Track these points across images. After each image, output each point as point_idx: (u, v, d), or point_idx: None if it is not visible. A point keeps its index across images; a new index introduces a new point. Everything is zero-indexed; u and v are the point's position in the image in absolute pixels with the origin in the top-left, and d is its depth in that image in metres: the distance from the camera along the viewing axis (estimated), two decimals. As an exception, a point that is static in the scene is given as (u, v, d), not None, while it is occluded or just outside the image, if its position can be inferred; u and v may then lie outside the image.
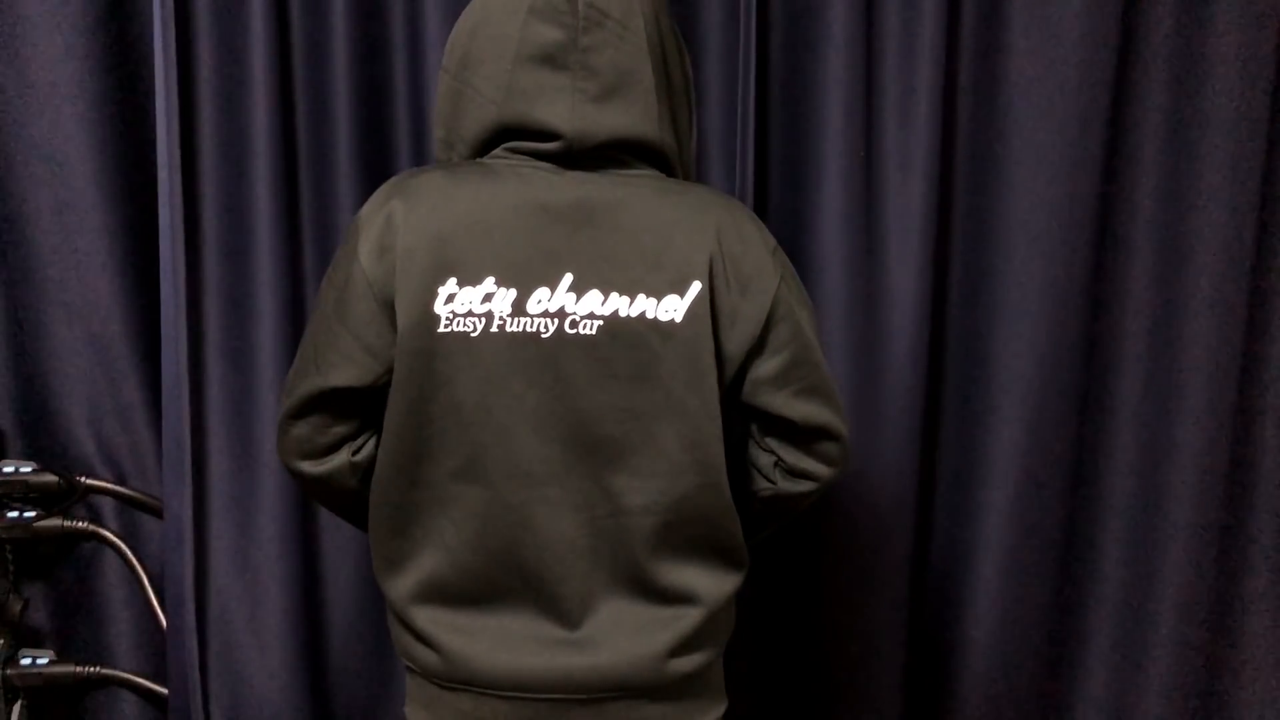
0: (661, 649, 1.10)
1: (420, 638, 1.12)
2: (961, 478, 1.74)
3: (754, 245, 1.10)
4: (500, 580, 1.10)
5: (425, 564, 1.11)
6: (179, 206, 1.57)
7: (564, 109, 1.06)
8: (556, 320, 1.05)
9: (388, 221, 1.06)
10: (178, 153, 1.56)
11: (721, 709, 1.20)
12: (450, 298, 1.05)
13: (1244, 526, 1.75)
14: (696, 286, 1.06)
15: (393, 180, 1.11)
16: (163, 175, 1.57)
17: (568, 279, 1.05)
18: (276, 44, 1.57)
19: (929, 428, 1.71)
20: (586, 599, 1.10)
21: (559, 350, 1.05)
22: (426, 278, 1.05)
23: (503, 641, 1.10)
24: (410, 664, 1.16)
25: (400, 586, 1.12)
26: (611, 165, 1.10)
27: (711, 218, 1.09)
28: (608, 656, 1.10)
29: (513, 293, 1.05)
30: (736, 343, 1.09)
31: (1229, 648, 1.78)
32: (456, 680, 1.11)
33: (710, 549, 1.13)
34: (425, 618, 1.11)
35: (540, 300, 1.05)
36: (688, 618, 1.11)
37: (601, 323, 1.05)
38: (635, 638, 1.10)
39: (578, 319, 1.05)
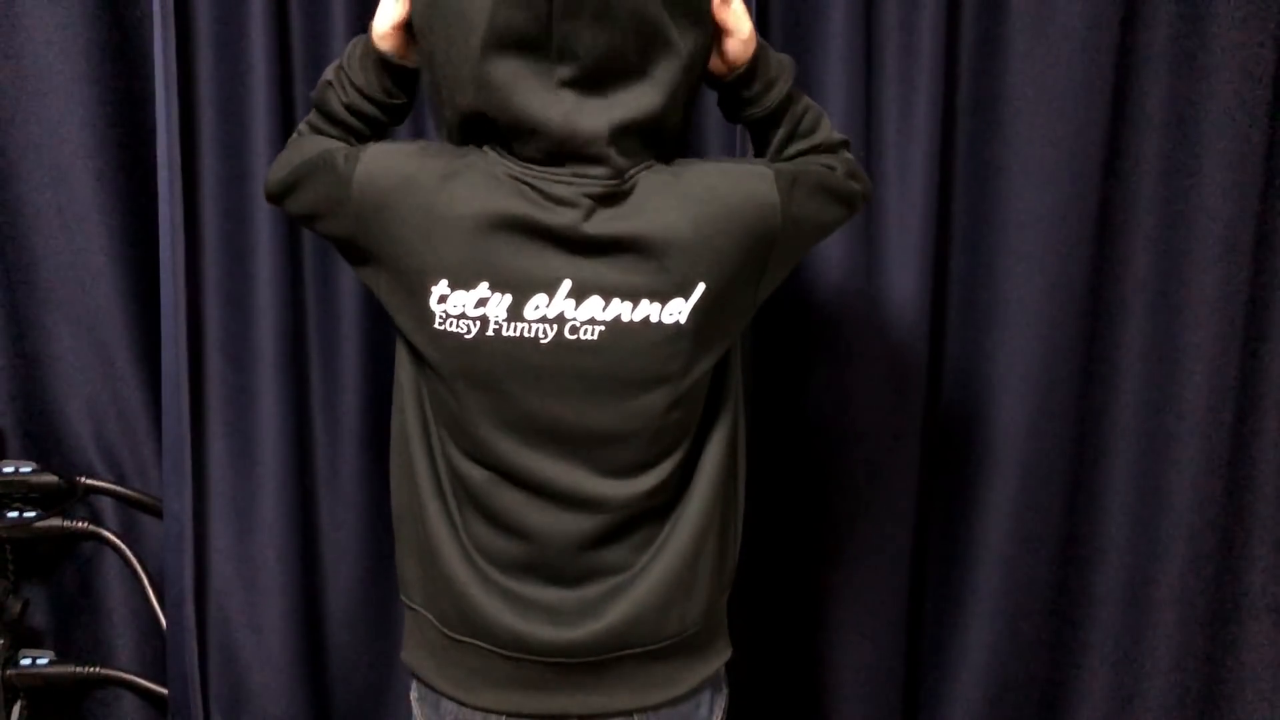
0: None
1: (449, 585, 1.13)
2: (961, 477, 1.74)
3: (747, 216, 1.06)
4: (510, 554, 1.11)
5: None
6: (179, 206, 1.57)
7: (547, 103, 0.99)
8: (556, 326, 1.04)
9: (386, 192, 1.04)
10: (178, 153, 1.56)
11: (724, 657, 1.22)
12: (443, 298, 1.04)
13: (1244, 526, 1.75)
14: (701, 287, 1.05)
15: (406, 151, 1.07)
16: (163, 175, 1.56)
17: (566, 285, 1.03)
18: (276, 44, 1.57)
19: (929, 428, 1.71)
20: (588, 577, 1.12)
21: (559, 356, 1.04)
22: (420, 272, 1.04)
23: (511, 604, 1.11)
24: (421, 608, 1.16)
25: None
26: (607, 162, 1.03)
27: (714, 207, 1.05)
28: (608, 621, 1.11)
29: (508, 298, 1.03)
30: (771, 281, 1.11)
31: (1229, 646, 1.78)
32: (468, 634, 1.12)
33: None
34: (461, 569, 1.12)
35: (538, 306, 1.03)
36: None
37: (603, 328, 1.04)
38: (629, 601, 1.12)
39: (578, 324, 1.03)
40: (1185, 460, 1.71)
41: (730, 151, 1.62)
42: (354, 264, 1.12)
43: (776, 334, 1.68)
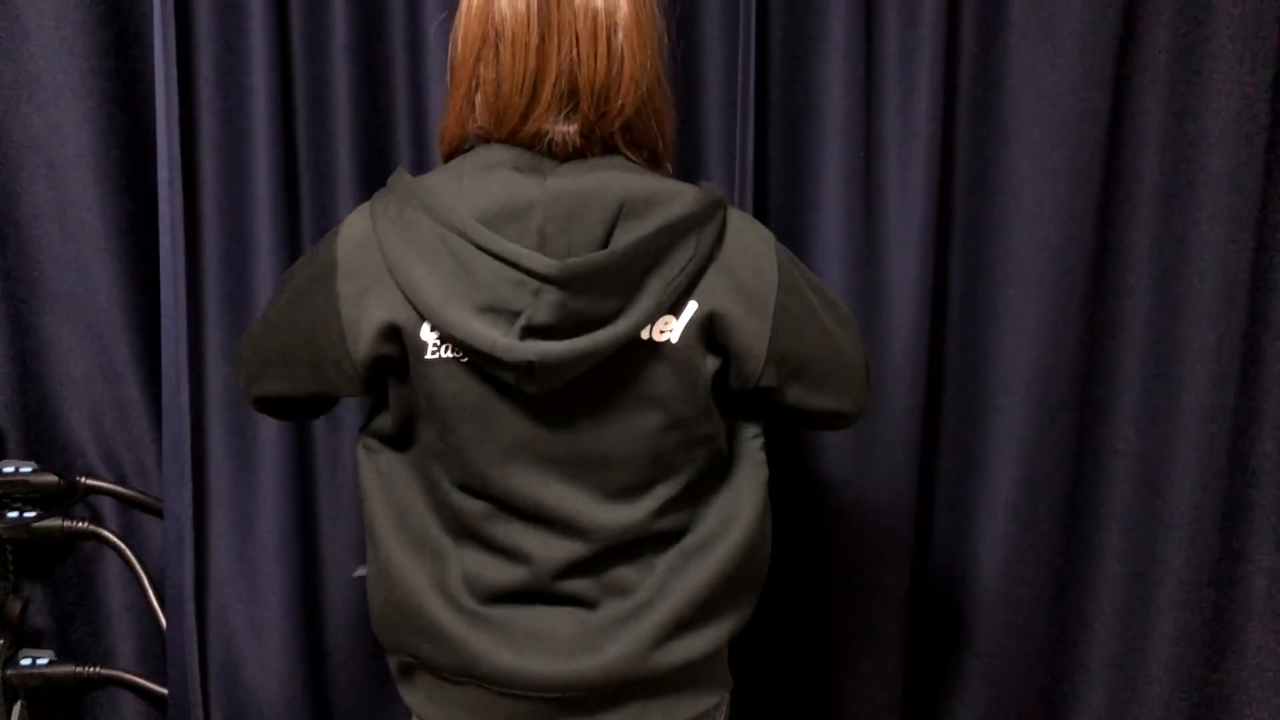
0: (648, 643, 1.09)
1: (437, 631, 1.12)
2: (961, 476, 1.74)
3: (750, 256, 1.08)
4: (509, 579, 1.10)
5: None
6: (179, 206, 1.57)
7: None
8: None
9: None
10: (178, 153, 1.56)
11: (728, 689, 1.20)
12: (432, 327, 1.03)
13: (1244, 525, 1.75)
14: (693, 306, 1.04)
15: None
16: (163, 175, 1.56)
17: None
18: (276, 44, 1.57)
19: (929, 426, 1.71)
20: (591, 603, 1.10)
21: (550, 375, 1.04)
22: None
23: (505, 638, 1.09)
24: (412, 658, 1.16)
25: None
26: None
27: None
28: (608, 657, 1.09)
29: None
30: (745, 353, 1.07)
31: (1229, 646, 1.78)
32: (464, 675, 1.11)
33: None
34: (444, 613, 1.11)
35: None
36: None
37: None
38: (633, 634, 1.09)
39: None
40: (1186, 460, 1.71)
41: (730, 148, 1.62)
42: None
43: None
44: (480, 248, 1.00)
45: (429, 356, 1.04)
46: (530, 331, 1.00)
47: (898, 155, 1.62)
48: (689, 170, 1.63)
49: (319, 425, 1.69)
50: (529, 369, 1.00)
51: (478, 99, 1.05)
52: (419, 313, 1.02)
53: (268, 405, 1.21)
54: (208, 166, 1.60)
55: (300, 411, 1.26)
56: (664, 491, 1.09)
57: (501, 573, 1.09)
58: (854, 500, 1.69)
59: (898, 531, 1.70)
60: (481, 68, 1.03)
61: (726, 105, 1.62)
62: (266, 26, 1.56)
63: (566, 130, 1.03)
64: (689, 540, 1.12)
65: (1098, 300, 1.69)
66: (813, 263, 1.64)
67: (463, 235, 1.00)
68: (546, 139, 1.03)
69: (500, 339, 0.99)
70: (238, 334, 1.65)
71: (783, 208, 1.66)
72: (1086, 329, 1.69)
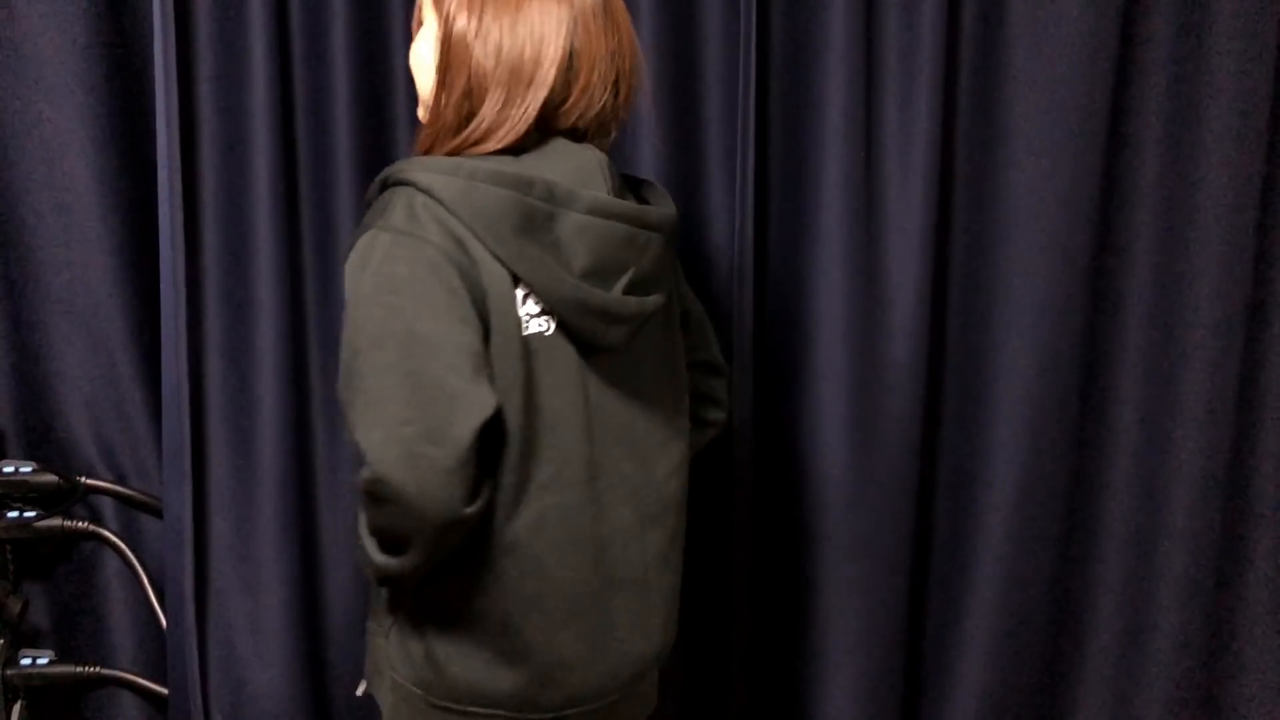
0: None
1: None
2: (961, 477, 1.74)
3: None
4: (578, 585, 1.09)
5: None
6: (179, 206, 1.57)
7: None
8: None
9: None
10: (178, 153, 1.56)
11: None
12: (524, 299, 1.04)
13: (1244, 526, 1.75)
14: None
15: None
16: (163, 175, 1.56)
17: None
18: (276, 44, 1.57)
19: (929, 426, 1.71)
20: (647, 580, 1.13)
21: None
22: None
23: (589, 650, 1.10)
24: (473, 701, 1.11)
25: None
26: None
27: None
28: (648, 643, 1.14)
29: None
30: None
31: (1229, 647, 1.78)
32: (551, 707, 1.10)
33: None
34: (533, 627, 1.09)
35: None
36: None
37: None
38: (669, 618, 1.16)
39: None
40: (1185, 461, 1.71)
41: (730, 148, 1.62)
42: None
43: (776, 334, 1.68)
44: (588, 210, 1.01)
45: (526, 332, 1.02)
46: (633, 287, 1.04)
47: (898, 155, 1.62)
48: (689, 170, 1.63)
49: (319, 425, 1.69)
50: (634, 321, 1.05)
51: (516, 105, 1.05)
52: (517, 286, 1.01)
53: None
54: (208, 166, 1.60)
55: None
56: (676, 450, 1.16)
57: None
58: (854, 500, 1.69)
59: (898, 531, 1.70)
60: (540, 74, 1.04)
61: (727, 105, 1.62)
62: (266, 27, 1.56)
63: (612, 101, 1.07)
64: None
65: (1098, 299, 1.69)
66: (813, 262, 1.64)
67: (565, 204, 1.00)
68: (591, 115, 1.06)
69: (607, 295, 1.02)
70: (238, 334, 1.64)
71: (783, 207, 1.66)
72: (1087, 328, 1.69)
